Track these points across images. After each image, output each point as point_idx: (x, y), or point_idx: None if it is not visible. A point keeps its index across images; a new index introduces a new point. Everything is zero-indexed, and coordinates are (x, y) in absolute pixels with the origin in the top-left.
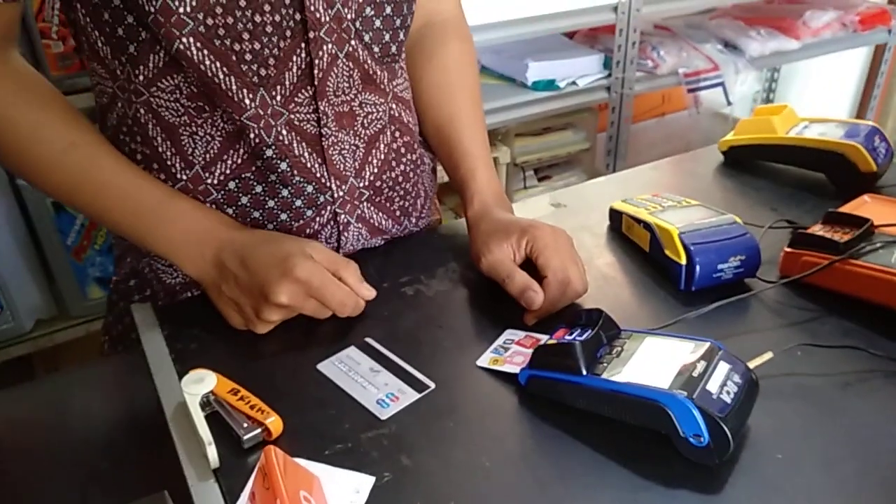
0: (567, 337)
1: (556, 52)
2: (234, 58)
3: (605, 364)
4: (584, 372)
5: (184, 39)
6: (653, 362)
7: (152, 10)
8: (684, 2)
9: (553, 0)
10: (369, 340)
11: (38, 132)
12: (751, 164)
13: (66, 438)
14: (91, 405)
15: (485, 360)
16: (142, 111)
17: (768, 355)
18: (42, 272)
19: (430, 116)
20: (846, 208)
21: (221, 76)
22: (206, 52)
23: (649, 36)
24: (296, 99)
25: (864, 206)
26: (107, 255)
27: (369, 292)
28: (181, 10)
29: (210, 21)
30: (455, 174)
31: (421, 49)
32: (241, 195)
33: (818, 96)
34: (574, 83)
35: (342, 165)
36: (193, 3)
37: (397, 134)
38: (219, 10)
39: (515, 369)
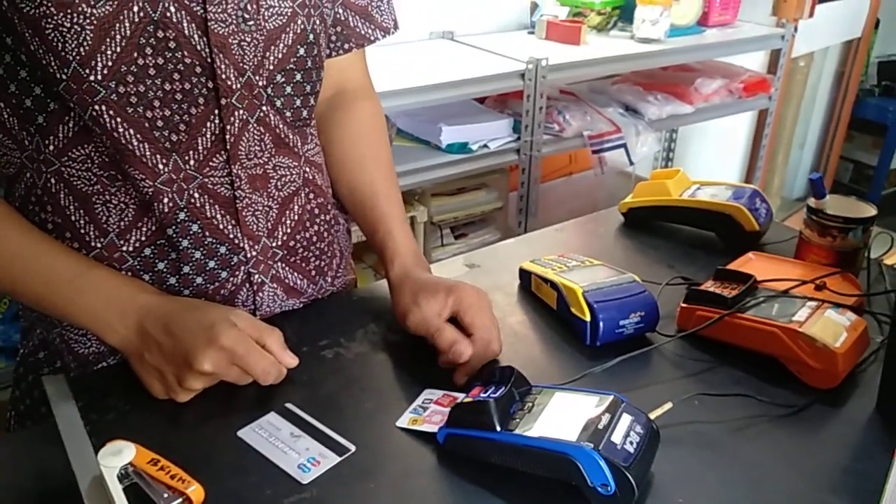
0: (482, 395)
1: (468, 116)
2: (146, 124)
3: (517, 420)
4: (498, 428)
5: (96, 107)
6: (561, 416)
7: (63, 77)
8: (587, 69)
9: (464, 67)
10: (290, 406)
11: None
12: (648, 224)
13: None
14: None
15: (404, 421)
16: (53, 181)
17: (668, 405)
18: None
19: (345, 180)
20: (733, 265)
21: (135, 143)
22: (119, 119)
23: (555, 101)
24: (210, 163)
25: (749, 262)
26: (10, 323)
27: (292, 360)
28: (92, 77)
29: (122, 89)
30: (373, 236)
31: (332, 116)
32: (157, 261)
33: (713, 155)
34: (486, 146)
35: (255, 226)
36: (105, 72)
37: (311, 196)
38: (130, 77)
39: (434, 428)
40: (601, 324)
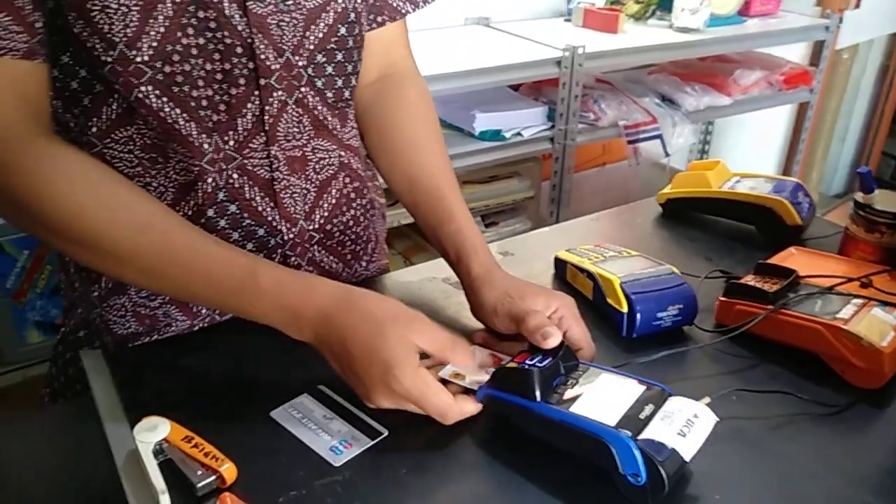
0: (528, 362)
1: (502, 103)
2: (192, 104)
3: (559, 394)
4: (538, 398)
5: (142, 88)
6: (604, 399)
7: (109, 59)
8: (624, 58)
9: (499, 54)
10: (322, 388)
11: (108, 218)
12: (686, 215)
13: (8, 490)
14: (30, 456)
15: (446, 373)
16: None
17: (706, 400)
18: None
19: (402, 167)
20: (774, 260)
21: (182, 122)
22: (165, 98)
23: (591, 89)
24: (250, 144)
25: (790, 257)
26: (48, 298)
27: (474, 408)
28: (138, 58)
29: (168, 69)
30: (440, 228)
31: (381, 101)
32: None
33: (749, 149)
34: (519, 134)
35: (293, 208)
36: (150, 53)
37: (347, 180)
38: (175, 57)
39: (475, 386)
40: (638, 315)
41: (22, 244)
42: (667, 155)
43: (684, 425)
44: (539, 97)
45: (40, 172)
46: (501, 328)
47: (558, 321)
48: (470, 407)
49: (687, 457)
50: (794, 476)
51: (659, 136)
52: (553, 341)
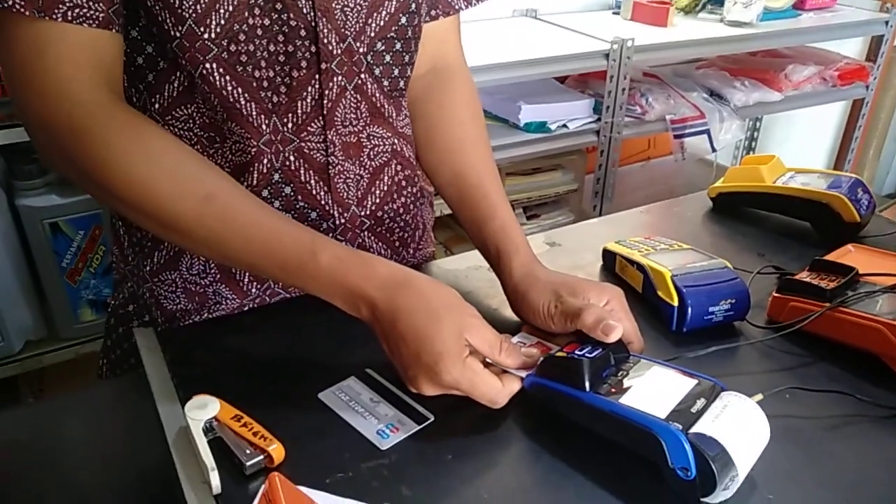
0: (577, 352)
1: (548, 95)
2: (254, 84)
3: (608, 384)
4: (588, 388)
5: (207, 65)
6: (655, 391)
7: (178, 34)
8: (674, 51)
9: (547, 45)
10: (370, 371)
11: (173, 188)
12: (738, 210)
13: (60, 463)
14: (84, 431)
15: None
16: None
17: (759, 397)
18: (35, 293)
19: (450, 164)
20: (831, 257)
21: (243, 101)
22: (228, 77)
23: (638, 83)
24: (308, 128)
25: (848, 255)
26: (101, 277)
27: (519, 383)
28: (206, 35)
29: (233, 47)
30: (484, 225)
31: (431, 97)
32: None
33: (798, 146)
34: (565, 126)
35: (346, 194)
36: (217, 30)
37: (399, 167)
38: (241, 36)
39: (522, 373)
40: (690, 309)
41: (78, 225)
42: (714, 150)
43: (736, 421)
44: (586, 90)
45: (112, 138)
46: (558, 329)
47: (609, 315)
48: (516, 385)
49: (737, 453)
50: (850, 478)
51: (706, 132)
52: (616, 335)
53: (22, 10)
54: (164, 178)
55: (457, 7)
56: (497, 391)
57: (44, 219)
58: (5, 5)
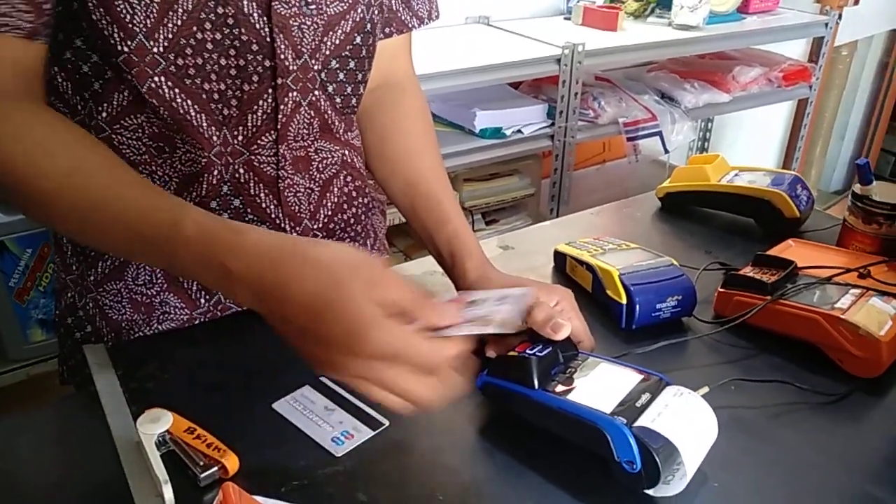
0: (528, 351)
1: (502, 101)
2: (203, 96)
3: (556, 381)
4: (536, 386)
5: (156, 78)
6: (602, 387)
7: (126, 49)
8: (624, 55)
9: (499, 52)
10: (324, 379)
11: (37, 161)
12: (686, 209)
13: (12, 484)
14: (34, 451)
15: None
16: None
17: (705, 389)
18: None
19: (402, 173)
20: (773, 251)
21: (193, 113)
22: (177, 90)
23: (591, 87)
24: (259, 141)
25: (788, 249)
26: (51, 296)
27: (458, 348)
28: (155, 49)
29: (181, 61)
30: (437, 232)
31: (381, 110)
32: None
33: (749, 145)
34: (519, 131)
35: (297, 207)
36: (165, 44)
37: (349, 178)
38: (189, 50)
39: (459, 330)
40: (638, 307)
41: (25, 243)
42: (666, 152)
43: (680, 415)
44: (539, 95)
45: None
46: (508, 329)
47: (559, 314)
48: (458, 347)
49: (681, 445)
50: (793, 464)
51: (658, 134)
52: (564, 333)
53: None
54: (26, 153)
55: (410, 26)
56: (438, 352)
57: None
58: None
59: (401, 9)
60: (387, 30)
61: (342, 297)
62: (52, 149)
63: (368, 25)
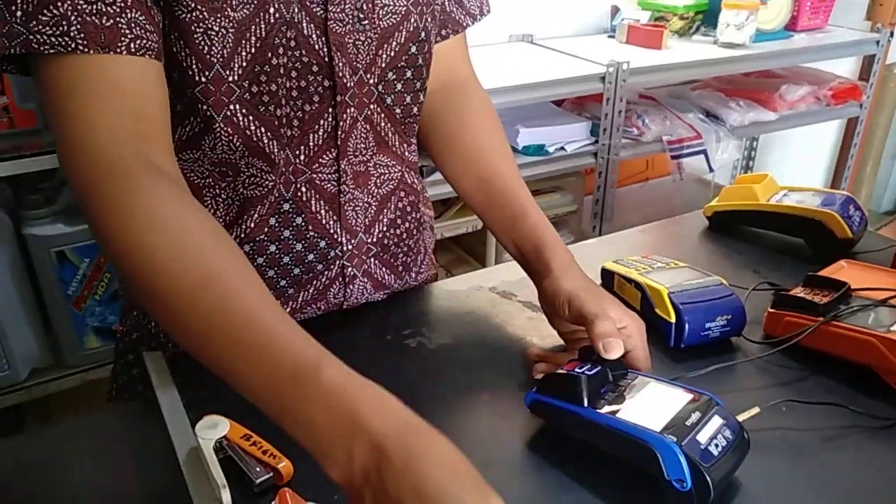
0: (577, 369)
1: (546, 118)
2: (274, 122)
3: (606, 400)
4: (586, 404)
5: (231, 107)
6: (651, 406)
7: (203, 79)
8: (668, 73)
9: (543, 70)
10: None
11: (174, 263)
12: (733, 228)
13: (67, 487)
14: (92, 456)
15: None
16: None
17: (755, 410)
18: (40, 321)
19: (476, 171)
20: (824, 272)
21: (266, 140)
22: (251, 117)
23: (635, 105)
24: (320, 159)
25: (841, 270)
26: (106, 304)
27: None
28: (231, 78)
29: (255, 88)
30: (514, 228)
31: (449, 110)
32: (256, 256)
33: (796, 164)
34: (562, 148)
35: (354, 221)
36: (240, 72)
37: (403, 194)
38: (263, 77)
39: None
40: (686, 325)
41: (83, 253)
42: (711, 170)
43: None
44: (583, 112)
45: (127, 207)
46: (568, 319)
47: (625, 339)
48: None
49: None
50: (846, 488)
51: (703, 152)
52: (614, 354)
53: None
54: (165, 251)
55: (464, 24)
56: None
57: (50, 247)
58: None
59: (454, 9)
60: (443, 32)
61: (462, 494)
62: (197, 249)
63: (423, 34)
